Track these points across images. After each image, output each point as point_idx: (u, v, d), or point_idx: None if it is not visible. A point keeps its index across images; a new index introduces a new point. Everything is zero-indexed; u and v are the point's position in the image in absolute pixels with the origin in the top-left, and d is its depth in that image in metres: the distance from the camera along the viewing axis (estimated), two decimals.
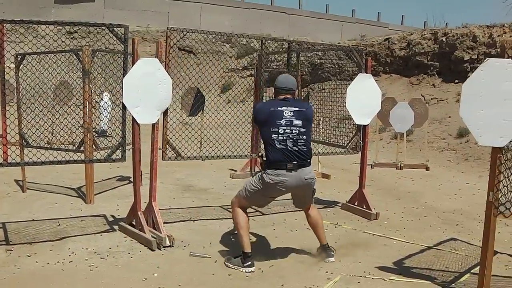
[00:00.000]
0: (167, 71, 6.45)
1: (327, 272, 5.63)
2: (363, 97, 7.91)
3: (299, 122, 5.65)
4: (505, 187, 4.92)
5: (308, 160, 5.73)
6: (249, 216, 7.49)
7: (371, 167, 12.27)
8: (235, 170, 11.12)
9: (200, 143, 9.73)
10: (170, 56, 6.67)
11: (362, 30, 29.08)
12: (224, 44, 24.61)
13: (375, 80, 8.38)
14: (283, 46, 8.68)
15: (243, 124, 9.17)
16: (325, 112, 10.01)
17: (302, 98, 9.27)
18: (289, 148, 5.58)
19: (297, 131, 5.63)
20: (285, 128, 5.59)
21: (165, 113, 6.55)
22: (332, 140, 9.23)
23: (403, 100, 14.66)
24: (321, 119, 9.09)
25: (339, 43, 22.33)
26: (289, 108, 5.68)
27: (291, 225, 7.48)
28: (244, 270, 5.59)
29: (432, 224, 7.80)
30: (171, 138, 6.90)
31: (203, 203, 8.54)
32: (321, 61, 19.24)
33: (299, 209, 6.44)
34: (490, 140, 4.76)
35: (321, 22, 32.43)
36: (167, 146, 6.80)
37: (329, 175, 11.34)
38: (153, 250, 6.07)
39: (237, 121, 9.38)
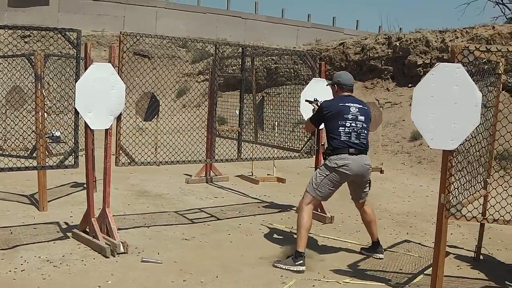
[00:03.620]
0: (120, 76, 6.40)
1: (282, 276, 5.64)
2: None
3: (362, 118, 6.19)
4: (456, 190, 5.00)
5: (367, 150, 6.23)
6: (205, 221, 7.52)
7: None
8: (190, 175, 11.07)
9: (155, 148, 9.68)
10: (123, 61, 6.62)
11: (317, 34, 29.26)
12: (180, 48, 24.49)
13: None
14: (239, 51, 8.70)
15: (198, 129, 9.16)
16: (280, 116, 10.05)
17: (257, 103, 9.27)
18: (352, 140, 6.07)
19: (361, 126, 6.16)
20: (351, 122, 6.11)
21: (119, 118, 6.49)
22: (287, 144, 9.26)
23: None
24: (276, 124, 9.10)
25: (295, 47, 22.39)
26: (355, 104, 6.23)
27: (246, 229, 7.48)
28: (295, 269, 5.77)
29: (386, 227, 7.88)
30: (124, 144, 6.85)
31: (157, 209, 8.47)
32: (276, 65, 19.27)
33: (357, 202, 6.61)
34: (441, 143, 4.82)
35: (277, 27, 32.51)
36: (121, 151, 6.74)
37: (285, 179, 11.36)
38: (107, 257, 5.99)
39: (192, 126, 9.37)
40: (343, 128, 6.07)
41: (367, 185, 6.36)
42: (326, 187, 6.11)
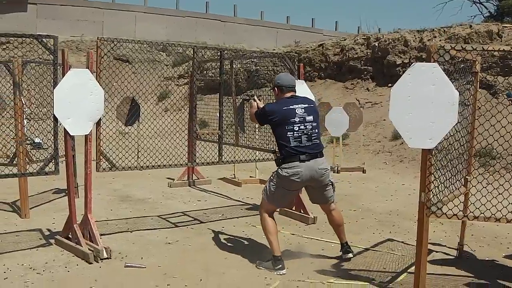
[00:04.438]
0: (99, 81, 6.38)
1: (266, 278, 5.65)
2: None
3: (311, 118, 5.99)
4: (436, 188, 5.03)
5: (321, 151, 6.03)
6: (188, 225, 7.51)
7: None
8: (173, 179, 11.06)
9: (137, 153, 9.65)
10: (101, 66, 6.60)
11: (296, 36, 29.31)
12: (160, 52, 24.45)
13: (311, 86, 8.50)
14: (218, 54, 8.72)
15: (180, 132, 9.14)
16: None
17: (237, 105, 9.27)
18: (303, 143, 5.88)
19: (310, 126, 5.96)
20: (299, 125, 5.90)
21: (98, 123, 6.47)
22: (269, 146, 9.27)
23: (338, 104, 14.80)
24: (257, 126, 9.10)
25: (274, 49, 22.43)
26: (300, 105, 6.01)
27: (229, 232, 7.48)
28: (276, 273, 5.76)
29: (369, 226, 7.92)
30: (105, 149, 6.83)
31: (140, 213, 8.46)
32: (256, 67, 19.28)
33: (317, 204, 6.52)
34: (419, 142, 4.86)
35: (256, 29, 32.54)
36: (101, 157, 6.72)
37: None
38: (91, 263, 5.97)
39: (174, 129, 9.36)
40: (292, 133, 5.88)
41: (328, 188, 6.16)
42: (280, 195, 6.07)
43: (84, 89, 6.15)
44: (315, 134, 5.99)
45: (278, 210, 6.37)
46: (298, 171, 5.82)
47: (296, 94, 6.22)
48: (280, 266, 5.83)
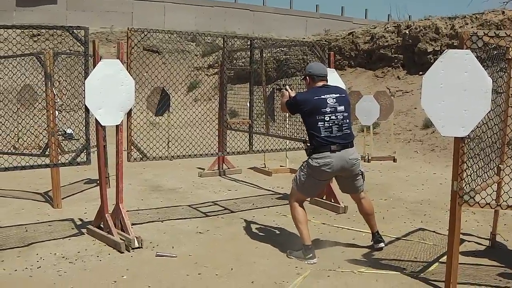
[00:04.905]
0: (129, 72, 6.41)
1: (296, 267, 5.64)
2: None
3: (342, 108, 5.93)
4: (468, 176, 4.98)
5: (351, 141, 5.99)
6: (218, 214, 7.53)
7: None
8: (203, 169, 11.09)
9: (167, 143, 9.69)
10: (132, 57, 6.63)
11: (326, 25, 29.16)
12: (189, 42, 24.47)
13: (341, 74, 8.45)
14: (248, 43, 8.70)
15: (210, 122, 9.15)
16: None
17: (267, 94, 9.26)
18: (334, 133, 5.85)
19: (342, 116, 5.91)
20: (330, 115, 5.85)
21: (129, 114, 6.51)
22: (299, 135, 9.25)
23: (369, 93, 14.73)
24: (287, 115, 9.08)
25: (304, 38, 22.34)
26: (331, 95, 5.95)
27: (260, 222, 7.48)
28: (307, 262, 5.77)
29: (400, 215, 7.87)
30: (136, 139, 6.87)
31: (171, 203, 8.50)
32: (286, 57, 19.22)
33: (349, 194, 6.50)
34: (452, 130, 4.80)
35: (286, 18, 32.42)
36: (132, 147, 6.76)
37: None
38: (122, 252, 6.02)
39: (203, 119, 9.38)
40: (322, 123, 5.84)
41: (358, 178, 6.16)
42: (310, 185, 6.03)
43: (114, 79, 6.18)
44: (346, 124, 5.93)
45: (308, 199, 6.32)
46: (328, 162, 5.80)
47: (328, 84, 6.15)
48: (311, 255, 5.82)
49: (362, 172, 6.17)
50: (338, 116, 5.88)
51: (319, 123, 5.84)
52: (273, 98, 9.44)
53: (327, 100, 5.89)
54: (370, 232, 6.42)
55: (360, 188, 6.25)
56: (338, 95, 5.99)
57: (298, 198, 6.11)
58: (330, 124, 5.84)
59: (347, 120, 5.96)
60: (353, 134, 6.09)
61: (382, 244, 6.32)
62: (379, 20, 27.40)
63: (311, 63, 6.64)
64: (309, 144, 6.02)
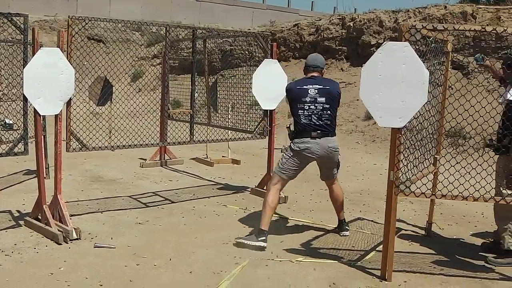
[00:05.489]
0: (69, 61, 6.31)
1: (235, 257, 5.67)
2: (269, 82, 7.98)
3: (322, 99, 6.17)
4: (405, 166, 5.08)
5: (332, 131, 6.25)
6: (159, 205, 7.50)
7: (281, 152, 12.38)
8: (145, 159, 11.01)
9: (109, 133, 9.59)
10: (72, 46, 6.53)
11: (272, 16, 29.17)
12: (134, 32, 24.22)
13: (285, 66, 8.50)
14: (191, 33, 8.66)
15: (152, 112, 9.10)
16: (235, 98, 10.04)
17: (210, 85, 9.25)
18: (314, 122, 6.13)
19: (321, 107, 6.16)
20: (309, 104, 6.15)
21: (69, 103, 6.41)
22: (242, 126, 9.27)
23: None
24: (230, 105, 9.10)
25: (249, 29, 22.34)
26: (314, 86, 6.21)
27: (200, 212, 7.49)
28: (257, 244, 5.90)
29: None
30: (76, 129, 6.77)
31: (111, 194, 8.40)
32: (231, 47, 19.22)
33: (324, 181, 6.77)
34: (389, 121, 4.91)
35: (232, 9, 32.35)
36: (71, 137, 6.66)
37: (239, 160, 11.37)
38: (60, 244, 5.93)
39: (146, 109, 9.31)
40: (302, 111, 6.15)
41: (334, 166, 6.46)
42: (290, 167, 6.25)
43: (54, 68, 6.07)
44: (326, 115, 6.17)
45: (285, 185, 6.44)
46: (308, 147, 6.11)
47: (318, 75, 6.38)
48: (264, 238, 5.95)
49: (339, 161, 6.48)
50: (318, 107, 6.14)
51: (299, 111, 6.17)
52: (216, 88, 9.43)
53: (309, 90, 6.18)
54: (337, 219, 6.73)
55: (335, 176, 6.55)
56: (321, 86, 6.22)
57: (276, 182, 6.30)
58: (310, 113, 6.14)
59: (328, 112, 6.18)
60: (334, 124, 6.30)
61: (347, 233, 6.59)
62: (325, 12, 27.66)
63: (311, 54, 6.83)
64: (292, 129, 6.32)
